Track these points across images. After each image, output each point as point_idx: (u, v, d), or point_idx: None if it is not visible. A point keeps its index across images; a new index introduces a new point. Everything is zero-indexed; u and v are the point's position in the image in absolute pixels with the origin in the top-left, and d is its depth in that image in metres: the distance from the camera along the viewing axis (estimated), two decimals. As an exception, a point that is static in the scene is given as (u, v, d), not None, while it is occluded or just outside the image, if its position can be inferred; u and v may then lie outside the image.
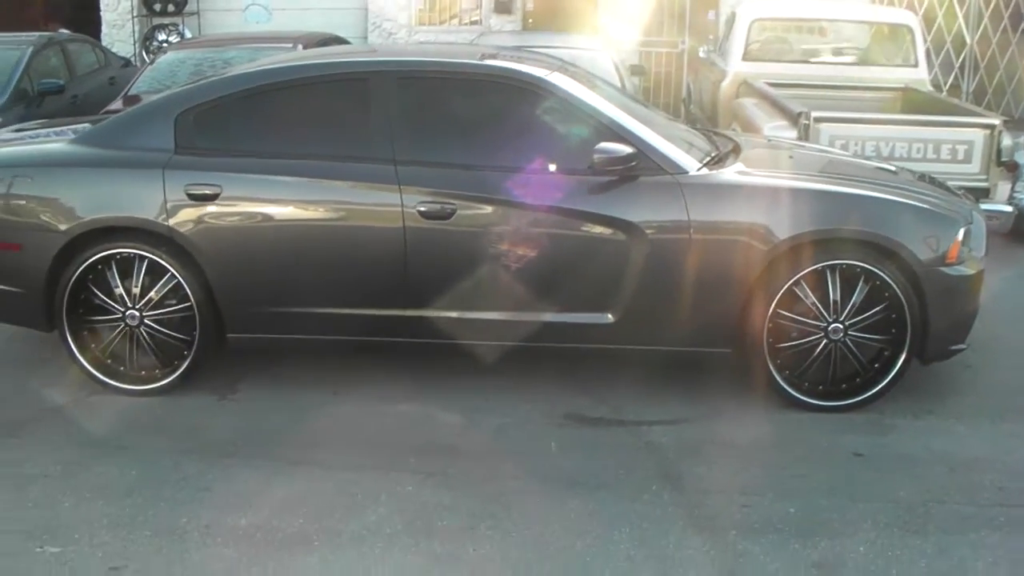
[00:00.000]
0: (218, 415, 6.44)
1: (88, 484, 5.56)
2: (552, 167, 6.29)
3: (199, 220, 6.38)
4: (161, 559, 4.85)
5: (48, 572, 4.78)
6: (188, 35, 18.15)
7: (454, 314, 6.35)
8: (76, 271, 6.48)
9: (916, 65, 12.57)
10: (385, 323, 6.43)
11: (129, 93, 11.76)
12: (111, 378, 6.66)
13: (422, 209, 6.21)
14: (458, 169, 6.29)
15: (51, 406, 6.57)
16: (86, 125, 7.49)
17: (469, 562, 4.80)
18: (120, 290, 6.52)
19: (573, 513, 5.21)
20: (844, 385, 6.33)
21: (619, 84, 10.09)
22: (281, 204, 6.44)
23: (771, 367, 6.26)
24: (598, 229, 6.20)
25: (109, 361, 6.68)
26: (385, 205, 6.27)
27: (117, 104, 11.24)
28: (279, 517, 5.17)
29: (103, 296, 6.55)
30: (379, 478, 5.56)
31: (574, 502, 5.31)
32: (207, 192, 6.35)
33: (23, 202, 6.64)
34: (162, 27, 18.73)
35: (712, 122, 12.33)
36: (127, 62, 16.41)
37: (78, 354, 6.63)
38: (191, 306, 6.46)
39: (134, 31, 18.99)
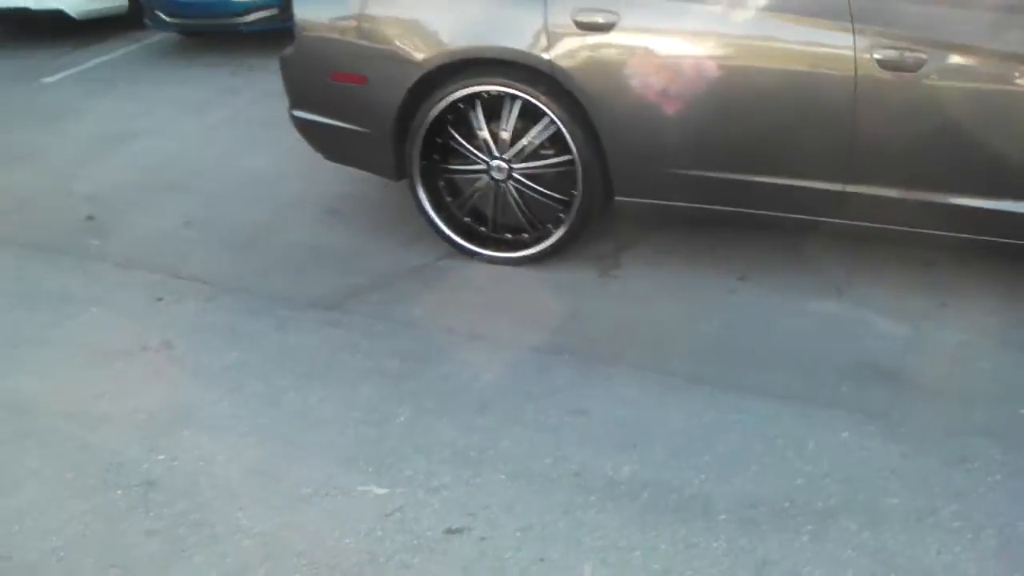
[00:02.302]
0: (597, 299, 5.35)
1: (429, 390, 4.57)
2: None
3: (588, 55, 5.19)
4: (513, 521, 3.70)
5: (373, 524, 3.72)
6: None
7: (907, 195, 4.89)
8: (432, 111, 5.58)
9: None
10: (814, 198, 5.05)
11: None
12: (469, 241, 5.85)
13: (879, 56, 4.67)
14: (933, 7, 4.73)
15: (394, 272, 5.78)
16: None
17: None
18: (485, 135, 5.57)
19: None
20: None
21: None
22: (693, 39, 5.09)
23: None
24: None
25: (468, 220, 5.86)
26: (830, 47, 4.77)
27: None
28: (674, 466, 3.94)
29: (464, 142, 5.63)
30: (803, 414, 4.24)
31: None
32: (600, 21, 5.12)
33: (368, 25, 5.69)
34: None
35: None
36: None
37: (430, 209, 5.85)
38: (572, 160, 5.39)
39: None
